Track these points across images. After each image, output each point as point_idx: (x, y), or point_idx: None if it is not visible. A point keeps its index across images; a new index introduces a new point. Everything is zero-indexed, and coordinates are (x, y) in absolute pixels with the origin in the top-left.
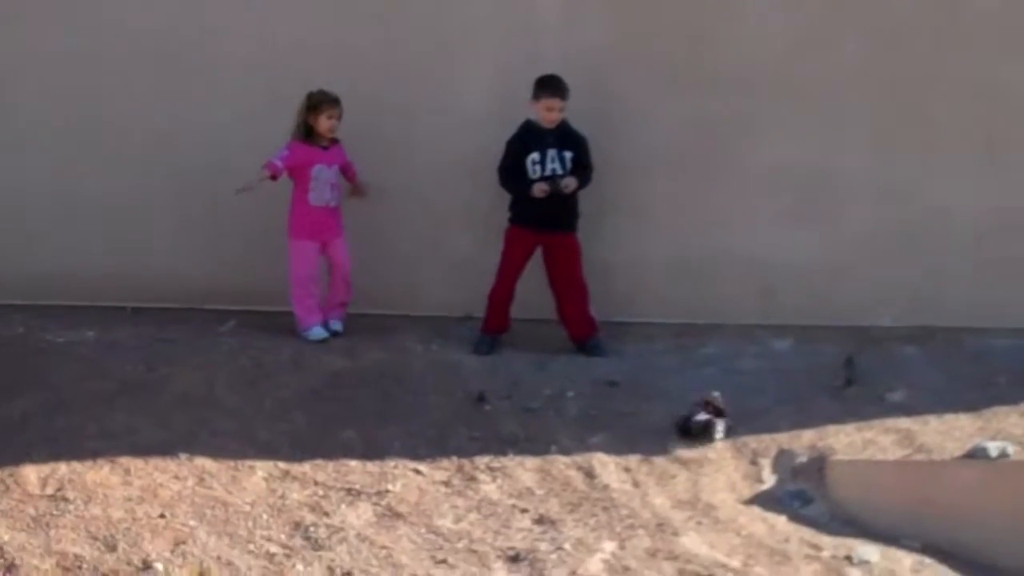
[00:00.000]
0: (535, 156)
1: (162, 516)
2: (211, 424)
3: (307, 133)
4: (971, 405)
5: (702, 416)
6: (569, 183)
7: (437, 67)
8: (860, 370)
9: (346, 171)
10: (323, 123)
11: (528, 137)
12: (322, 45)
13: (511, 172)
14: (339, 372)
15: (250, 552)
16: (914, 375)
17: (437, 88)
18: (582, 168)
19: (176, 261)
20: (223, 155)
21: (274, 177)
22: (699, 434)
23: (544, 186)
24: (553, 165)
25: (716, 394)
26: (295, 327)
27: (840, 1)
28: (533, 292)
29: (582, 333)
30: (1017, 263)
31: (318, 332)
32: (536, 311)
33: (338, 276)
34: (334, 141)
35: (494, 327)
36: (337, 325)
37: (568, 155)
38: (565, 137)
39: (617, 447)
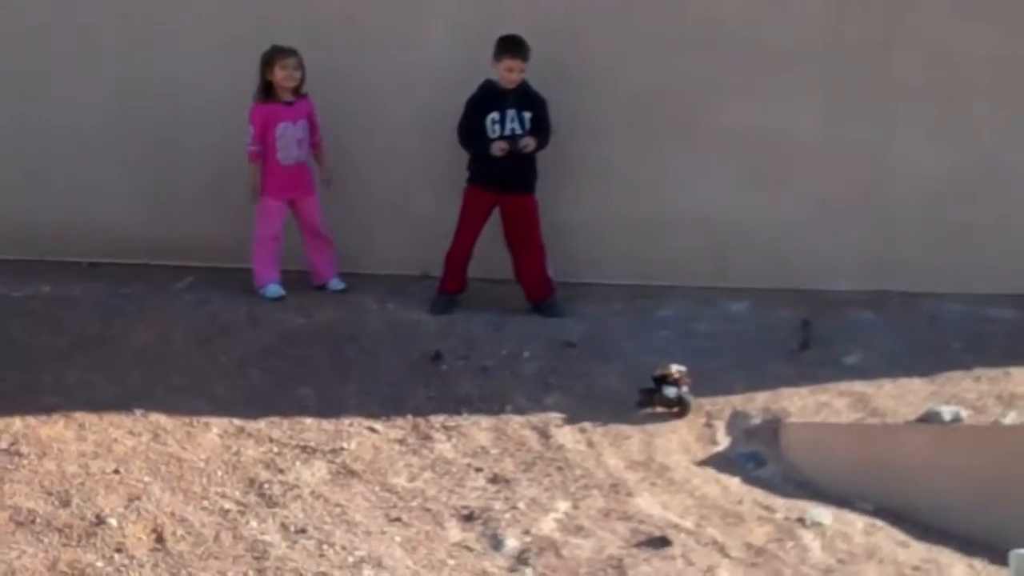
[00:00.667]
0: (495, 116)
1: (116, 471)
2: (166, 380)
3: (266, 91)
4: (925, 369)
5: (672, 391)
6: (528, 143)
7: (398, 26)
8: (815, 333)
9: (311, 131)
10: (278, 74)
11: (488, 97)
12: (284, 4)
13: (470, 131)
14: (295, 330)
15: (204, 508)
16: (869, 339)
17: (397, 47)
18: (541, 129)
19: (133, 216)
20: (181, 109)
21: (260, 160)
22: (668, 406)
23: (504, 144)
24: (512, 125)
25: (682, 368)
26: (253, 284)
27: None
28: (490, 252)
29: (539, 294)
30: (973, 228)
31: (274, 290)
32: (493, 271)
33: (310, 235)
34: (300, 96)
35: (451, 287)
36: (338, 284)
37: (528, 116)
38: (525, 98)
39: (572, 408)
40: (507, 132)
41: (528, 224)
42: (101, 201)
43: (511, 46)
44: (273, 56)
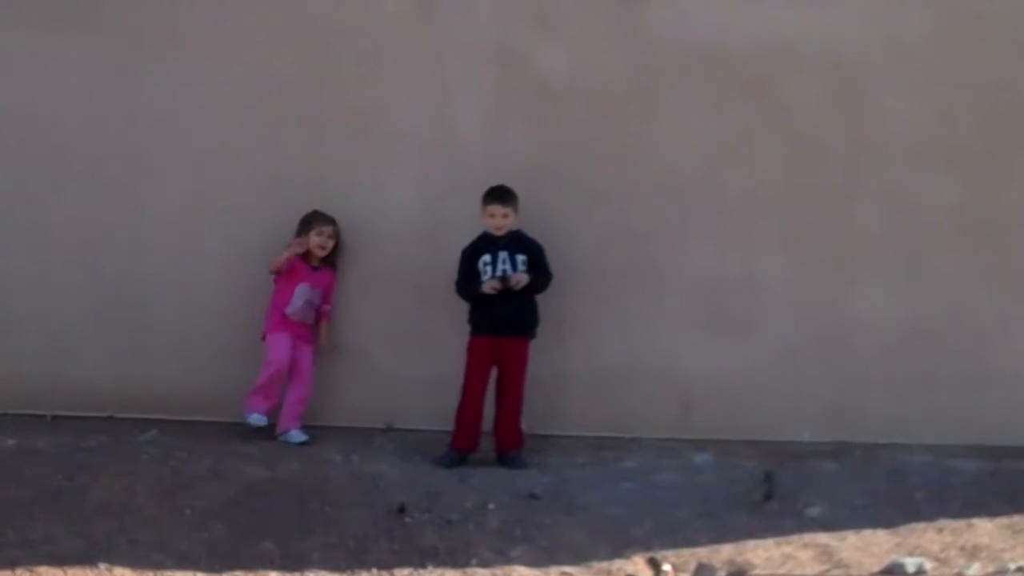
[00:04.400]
0: (486, 258)
1: None
2: (131, 533)
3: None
4: (888, 521)
5: None
6: (520, 278)
7: (361, 182)
8: (779, 485)
9: (325, 299)
10: (313, 240)
11: (481, 243)
12: (244, 157)
13: (465, 277)
14: (259, 482)
15: None
16: (832, 490)
17: (361, 202)
18: (538, 271)
19: (97, 369)
20: (145, 263)
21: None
22: None
23: (495, 282)
24: (504, 266)
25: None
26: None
27: (760, 112)
28: (454, 401)
29: (507, 444)
30: (935, 378)
31: (257, 418)
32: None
33: (296, 376)
34: (327, 265)
35: (464, 444)
36: (298, 436)
37: (520, 258)
38: (518, 242)
39: (537, 560)
40: (498, 272)
41: (516, 371)
42: (67, 354)
43: (491, 193)
44: (311, 221)
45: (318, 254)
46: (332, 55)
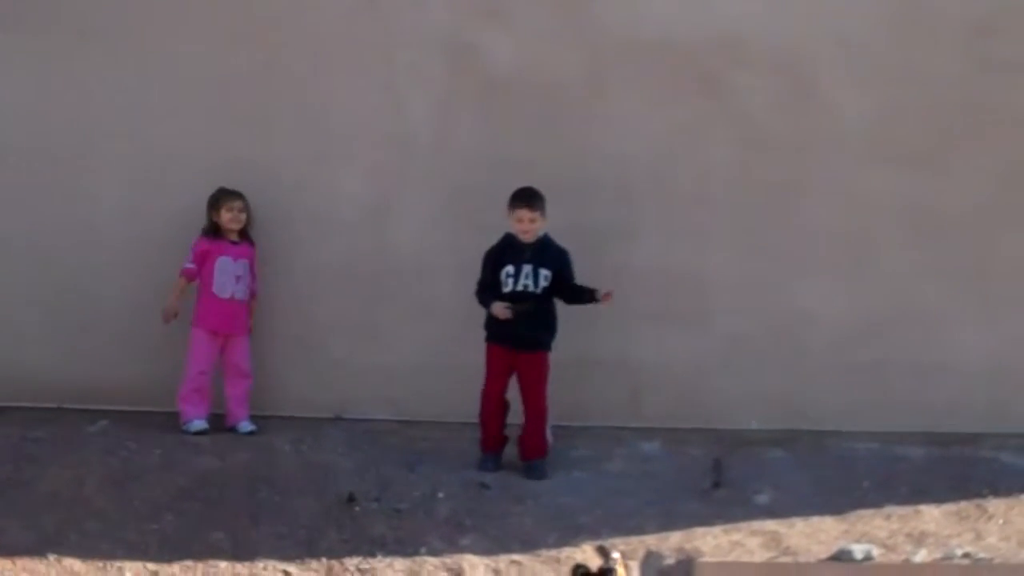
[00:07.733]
0: (509, 269)
1: None
2: (80, 525)
3: (214, 230)
4: (836, 508)
5: None
6: (525, 307)
7: (312, 176)
8: (727, 472)
9: (250, 275)
10: (224, 216)
11: (506, 249)
12: (197, 150)
13: (485, 285)
14: (209, 473)
15: None
16: (780, 478)
17: (312, 195)
18: (564, 286)
19: (45, 360)
20: (92, 252)
21: (191, 279)
22: None
23: (506, 312)
24: (526, 281)
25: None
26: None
27: (711, 105)
28: (405, 391)
29: (529, 455)
30: (881, 367)
31: (197, 424)
32: (410, 412)
33: (230, 371)
34: (245, 238)
35: (492, 445)
36: (247, 426)
37: (545, 273)
38: (545, 253)
39: (487, 548)
40: (519, 287)
41: (535, 384)
42: (13, 345)
43: (520, 196)
44: (219, 199)
45: (233, 227)
46: (282, 49)
